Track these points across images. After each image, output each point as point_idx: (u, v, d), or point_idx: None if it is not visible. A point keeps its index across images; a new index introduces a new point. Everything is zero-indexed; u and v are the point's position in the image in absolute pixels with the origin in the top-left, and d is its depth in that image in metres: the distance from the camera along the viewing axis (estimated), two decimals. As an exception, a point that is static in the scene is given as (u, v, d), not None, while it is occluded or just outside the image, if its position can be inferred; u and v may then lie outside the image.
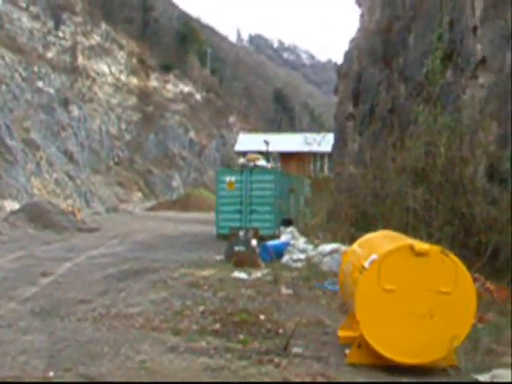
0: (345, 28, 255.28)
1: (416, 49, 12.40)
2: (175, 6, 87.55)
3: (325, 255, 11.09)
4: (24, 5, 55.49)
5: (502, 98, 9.16)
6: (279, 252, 13.71)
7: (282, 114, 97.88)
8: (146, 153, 68.53)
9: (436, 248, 5.93)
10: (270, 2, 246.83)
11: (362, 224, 11.25)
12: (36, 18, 57.03)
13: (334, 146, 17.03)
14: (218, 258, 14.79)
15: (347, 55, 16.46)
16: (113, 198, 55.66)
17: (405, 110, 12.57)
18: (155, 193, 64.15)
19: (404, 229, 8.73)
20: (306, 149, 37.73)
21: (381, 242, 6.56)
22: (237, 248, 13.36)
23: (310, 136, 37.66)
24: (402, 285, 5.82)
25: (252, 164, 24.03)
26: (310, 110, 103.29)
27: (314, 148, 36.82)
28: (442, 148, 9.55)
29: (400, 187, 10.12)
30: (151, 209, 54.34)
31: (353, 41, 16.28)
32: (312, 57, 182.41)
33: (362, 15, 16.13)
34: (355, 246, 7.13)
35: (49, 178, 44.75)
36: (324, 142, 34.71)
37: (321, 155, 40.87)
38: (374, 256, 5.90)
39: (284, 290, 9.79)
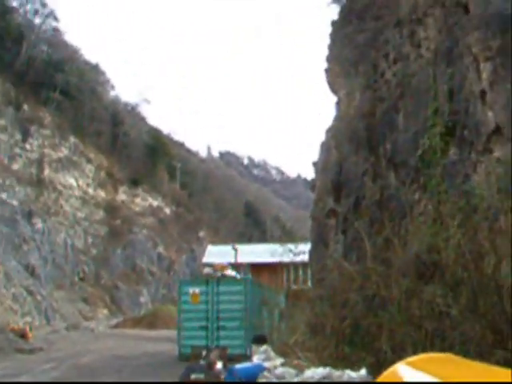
0: (313, 139, 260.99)
1: (406, 130, 10.99)
2: (145, 121, 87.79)
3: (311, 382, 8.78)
4: (-9, 117, 54.75)
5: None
6: (251, 378, 10.57)
7: (253, 227, 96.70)
8: (113, 268, 66.12)
9: None
10: (239, 119, 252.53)
11: (356, 339, 9.30)
12: (3, 130, 56.06)
13: (312, 250, 15.17)
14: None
15: (323, 146, 15.03)
16: (76, 315, 52.68)
17: (397, 201, 10.97)
18: (122, 309, 61.22)
19: (422, 343, 6.88)
20: (277, 259, 35.89)
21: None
22: (194, 376, 10.55)
23: (282, 246, 35.36)
24: None
25: (219, 274, 21.87)
26: (281, 224, 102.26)
27: (286, 259, 34.88)
28: (452, 239, 7.83)
29: (407, 289, 8.28)
30: (116, 326, 51.47)
31: (329, 130, 14.90)
32: (282, 173, 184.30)
33: (338, 102, 14.84)
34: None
35: (6, 293, 41.97)
36: (297, 252, 32.94)
37: (294, 266, 38.99)
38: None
39: None
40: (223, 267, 22.36)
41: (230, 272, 22.57)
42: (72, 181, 64.93)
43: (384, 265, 10.33)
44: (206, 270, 23.35)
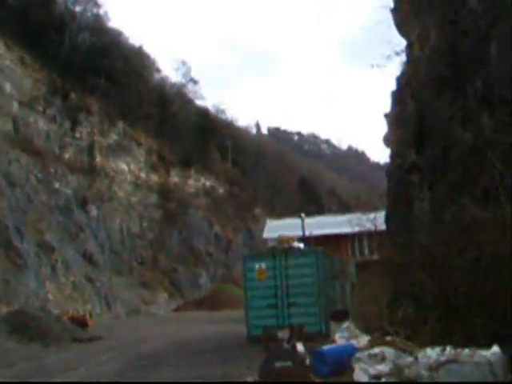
0: (362, 108, 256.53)
1: (503, 61, 9.30)
2: (193, 101, 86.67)
3: (432, 367, 7.09)
4: (41, 108, 54.34)
5: None
6: (341, 361, 9.23)
7: (309, 202, 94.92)
8: (170, 251, 65.61)
9: None
10: (286, 95, 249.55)
11: (466, 309, 7.74)
12: (52, 120, 55.74)
13: (390, 212, 13.50)
14: (250, 379, 10.34)
15: (395, 96, 13.33)
16: (136, 300, 52.25)
17: (495, 146, 9.30)
18: (182, 292, 60.67)
19: None
20: (342, 230, 34.40)
21: None
22: (278, 364, 8.94)
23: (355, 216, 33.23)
24: None
25: (286, 246, 20.14)
26: (337, 197, 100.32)
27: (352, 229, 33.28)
28: None
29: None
30: (177, 309, 51.00)
31: (401, 78, 13.20)
32: (332, 146, 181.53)
33: (408, 45, 13.13)
34: None
35: (65, 282, 41.62)
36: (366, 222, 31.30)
37: (359, 236, 37.41)
38: None
39: None
40: (289, 239, 20.73)
41: (297, 244, 20.99)
42: (124, 166, 64.44)
43: (487, 221, 8.75)
44: (271, 243, 21.58)
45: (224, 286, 59.39)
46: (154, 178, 69.39)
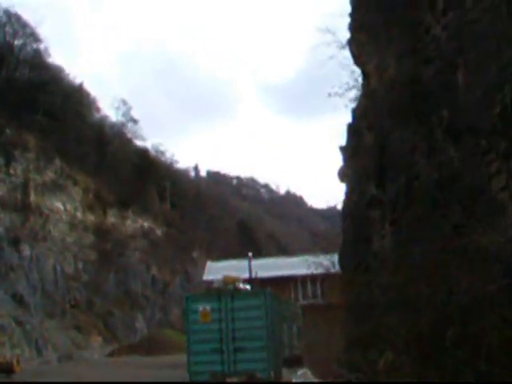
0: (301, 152, 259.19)
1: (470, 89, 8.92)
2: (132, 141, 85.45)
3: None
4: (-28, 143, 52.47)
5: None
6: None
7: (248, 245, 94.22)
8: (106, 293, 63.58)
9: None
10: (224, 139, 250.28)
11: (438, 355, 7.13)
12: (-15, 155, 53.83)
13: (345, 251, 12.93)
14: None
15: (351, 128, 12.91)
16: (69, 344, 50.08)
17: (464, 178, 8.87)
18: (117, 336, 58.61)
19: None
20: (286, 273, 33.90)
21: None
22: None
23: (308, 258, 32.47)
24: None
25: (231, 287, 19.13)
26: (276, 241, 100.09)
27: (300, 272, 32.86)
28: None
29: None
30: (111, 354, 49.05)
31: (357, 110, 12.80)
32: (270, 191, 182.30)
33: (364, 77, 12.78)
34: None
35: (-8, 325, 39.52)
36: (306, 265, 31.00)
37: (302, 279, 36.98)
38: None
39: None
40: (235, 280, 19.77)
41: (243, 285, 20.04)
42: (59, 205, 62.48)
43: (458, 257, 8.25)
44: (215, 284, 20.41)
45: (161, 329, 57.86)
46: (91, 217, 67.54)
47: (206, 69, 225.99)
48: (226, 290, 18.69)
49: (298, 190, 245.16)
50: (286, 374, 15.61)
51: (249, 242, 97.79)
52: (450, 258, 8.56)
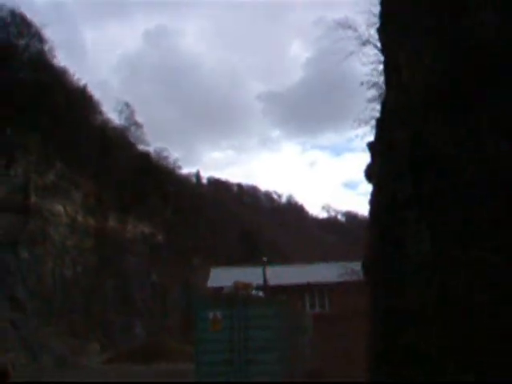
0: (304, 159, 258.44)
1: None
2: (134, 145, 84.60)
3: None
4: (-26, 144, 51.67)
5: None
6: None
7: (249, 253, 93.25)
8: (105, 299, 62.51)
9: None
10: (227, 147, 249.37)
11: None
12: (-15, 156, 53.03)
13: (372, 257, 11.97)
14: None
15: (382, 123, 11.99)
16: (65, 350, 48.96)
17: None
18: (115, 342, 57.46)
19: None
20: (298, 281, 33.00)
21: None
22: None
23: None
24: None
25: (243, 293, 17.98)
26: (278, 249, 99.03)
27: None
28: None
29: None
30: (109, 361, 47.91)
31: (387, 103, 11.89)
32: (272, 200, 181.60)
33: (392, 69, 11.87)
34: None
35: (-11, 329, 38.51)
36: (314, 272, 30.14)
37: (309, 288, 35.95)
38: None
39: None
40: (247, 286, 18.66)
41: (256, 292, 18.96)
42: (60, 208, 61.58)
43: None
44: (226, 290, 19.23)
45: (160, 337, 56.74)
46: (91, 221, 66.62)
47: (212, 77, 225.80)
48: (237, 297, 17.54)
49: (299, 199, 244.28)
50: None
51: (250, 250, 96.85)
52: (501, 262, 7.67)
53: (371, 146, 12.20)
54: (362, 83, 20.93)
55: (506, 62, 8.62)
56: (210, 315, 16.96)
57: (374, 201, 11.79)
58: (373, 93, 22.43)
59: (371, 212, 12.09)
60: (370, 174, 12.24)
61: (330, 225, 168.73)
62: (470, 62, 9.34)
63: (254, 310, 16.81)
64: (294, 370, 16.71)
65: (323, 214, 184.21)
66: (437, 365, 8.05)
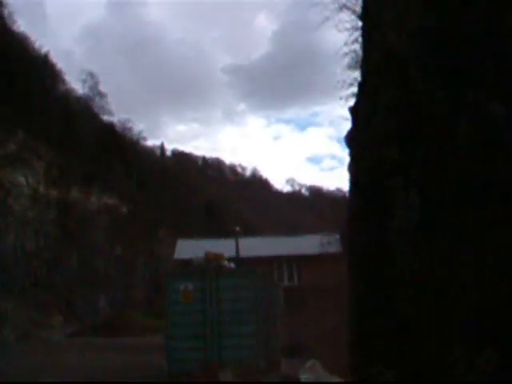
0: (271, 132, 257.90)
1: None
2: (98, 115, 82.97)
3: None
4: None
5: None
6: None
7: (215, 226, 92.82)
8: (68, 271, 61.41)
9: None
10: (192, 119, 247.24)
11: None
12: None
13: (353, 227, 11.49)
14: None
15: (364, 88, 11.47)
16: (28, 323, 47.97)
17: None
18: (78, 316, 56.64)
19: None
20: (266, 253, 32.60)
21: None
22: None
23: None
24: None
25: (215, 265, 17.41)
26: (244, 222, 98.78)
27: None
28: None
29: None
30: (72, 334, 47.23)
31: (368, 66, 11.36)
32: (236, 173, 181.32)
33: (371, 29, 11.33)
34: None
35: None
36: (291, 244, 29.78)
37: (278, 261, 35.62)
38: None
39: None
40: (219, 257, 18.11)
41: (228, 263, 18.43)
42: (21, 178, 59.93)
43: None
44: (195, 261, 18.62)
45: (124, 310, 56.19)
46: (54, 193, 65.10)
47: (176, 48, 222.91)
48: (209, 268, 16.95)
49: (263, 172, 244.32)
50: (284, 362, 14.08)
51: (215, 223, 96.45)
52: (496, 233, 7.26)
53: (353, 111, 11.65)
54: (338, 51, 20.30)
55: (491, 19, 8.13)
56: (181, 287, 16.42)
57: (356, 168, 11.27)
58: (348, 61, 21.95)
59: (352, 180, 11.58)
60: (351, 139, 11.71)
61: (293, 198, 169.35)
62: (458, 20, 8.84)
63: (227, 282, 16.30)
64: (269, 344, 16.27)
65: (287, 188, 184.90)
66: (429, 337, 7.64)
